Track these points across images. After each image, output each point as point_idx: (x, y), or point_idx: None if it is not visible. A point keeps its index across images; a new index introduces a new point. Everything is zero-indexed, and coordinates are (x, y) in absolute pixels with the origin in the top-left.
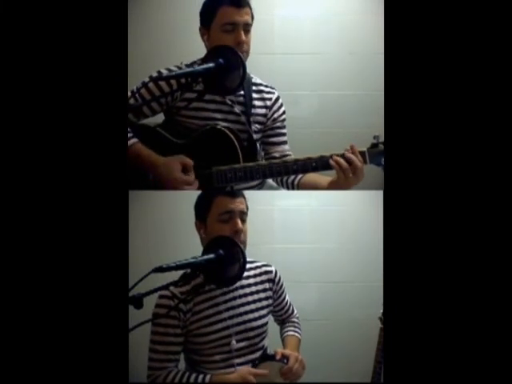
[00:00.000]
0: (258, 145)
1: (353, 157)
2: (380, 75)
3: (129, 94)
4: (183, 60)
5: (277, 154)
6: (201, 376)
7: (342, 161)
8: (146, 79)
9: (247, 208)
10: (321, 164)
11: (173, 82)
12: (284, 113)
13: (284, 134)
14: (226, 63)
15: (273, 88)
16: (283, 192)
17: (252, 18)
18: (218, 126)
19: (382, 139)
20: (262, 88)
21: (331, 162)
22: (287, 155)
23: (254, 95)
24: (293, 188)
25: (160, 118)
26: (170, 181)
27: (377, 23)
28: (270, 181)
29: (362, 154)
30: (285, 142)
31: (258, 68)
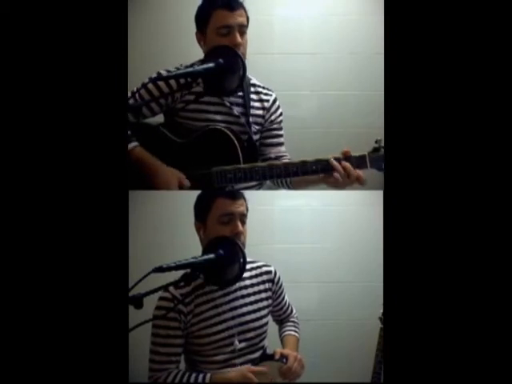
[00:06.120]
0: (257, 146)
1: (351, 169)
2: (380, 75)
3: (129, 94)
4: (183, 62)
5: (272, 155)
6: (201, 375)
7: (340, 168)
8: (146, 80)
9: (247, 209)
10: (321, 167)
11: (172, 82)
12: (281, 114)
13: (281, 136)
14: (226, 63)
15: (270, 90)
16: (283, 192)
17: (247, 19)
18: (219, 127)
19: (383, 143)
20: (259, 89)
21: (335, 174)
22: (283, 156)
23: (253, 96)
24: (288, 187)
25: (160, 118)
26: (165, 189)
27: (377, 23)
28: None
29: (363, 158)
30: (281, 144)
31: (257, 68)
